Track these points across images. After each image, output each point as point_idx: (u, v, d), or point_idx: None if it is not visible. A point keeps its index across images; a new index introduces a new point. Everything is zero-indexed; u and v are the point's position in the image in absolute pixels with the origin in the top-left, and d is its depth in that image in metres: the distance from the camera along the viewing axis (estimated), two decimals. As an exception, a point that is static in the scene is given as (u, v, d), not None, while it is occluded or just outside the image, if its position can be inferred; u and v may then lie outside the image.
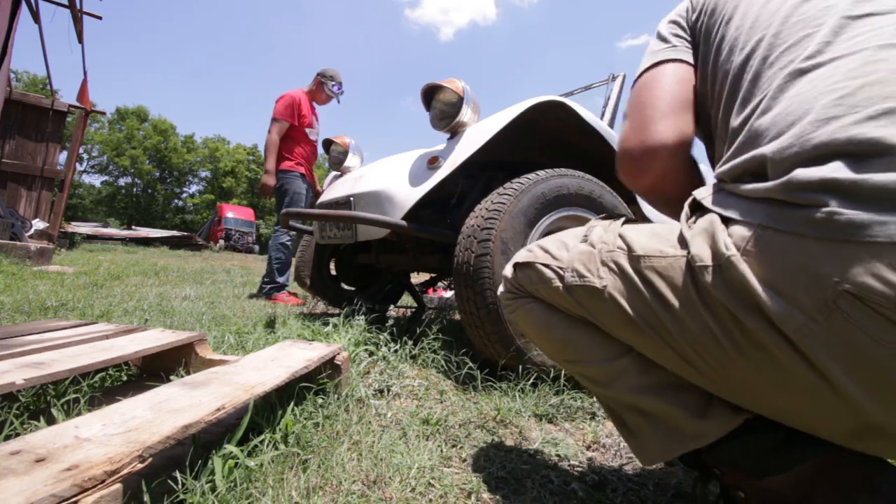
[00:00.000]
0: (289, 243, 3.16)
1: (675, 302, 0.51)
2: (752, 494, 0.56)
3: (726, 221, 0.49)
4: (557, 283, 0.63)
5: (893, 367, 0.40)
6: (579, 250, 0.63)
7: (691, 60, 0.68)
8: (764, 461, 0.54)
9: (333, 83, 3.33)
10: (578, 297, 0.61)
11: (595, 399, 1.23)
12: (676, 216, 0.62)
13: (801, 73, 0.49)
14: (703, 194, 0.55)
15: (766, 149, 0.47)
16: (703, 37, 0.67)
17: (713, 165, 0.69)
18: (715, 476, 0.62)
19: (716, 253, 0.47)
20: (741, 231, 0.46)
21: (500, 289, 0.74)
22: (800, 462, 0.52)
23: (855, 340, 0.40)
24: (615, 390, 0.62)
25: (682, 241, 0.53)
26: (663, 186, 0.66)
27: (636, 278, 0.55)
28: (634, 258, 0.56)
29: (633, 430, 0.62)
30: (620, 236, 0.59)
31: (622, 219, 0.65)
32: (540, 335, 0.69)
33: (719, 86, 0.62)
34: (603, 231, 0.63)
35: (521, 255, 0.70)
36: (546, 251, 0.67)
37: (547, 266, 0.65)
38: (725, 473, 0.58)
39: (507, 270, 0.72)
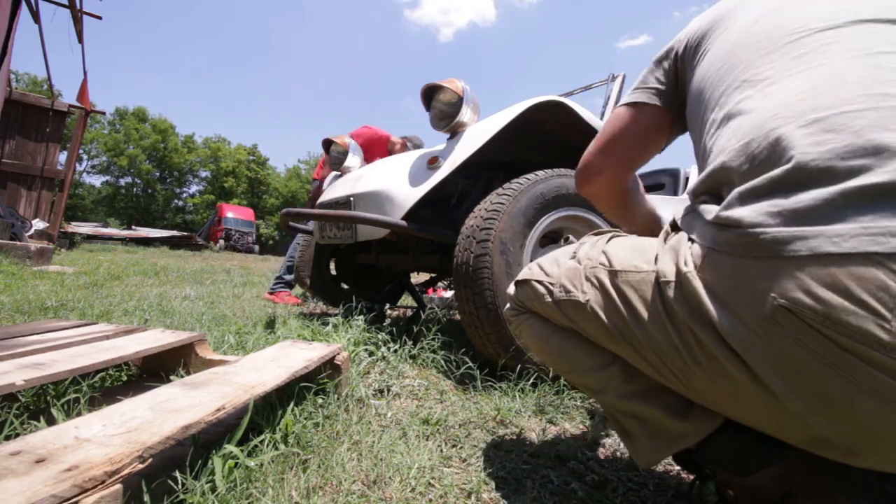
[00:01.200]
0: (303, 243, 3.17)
1: (644, 315, 0.54)
2: (740, 492, 0.58)
3: (691, 239, 0.52)
4: (548, 298, 0.68)
5: (829, 379, 0.41)
6: (567, 266, 0.68)
7: (657, 102, 0.74)
8: (743, 460, 0.56)
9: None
10: (566, 311, 0.66)
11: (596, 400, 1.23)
12: (614, 219, 0.85)
13: (747, 97, 0.52)
14: (681, 213, 0.58)
15: (715, 167, 0.51)
16: (685, 71, 0.71)
17: None
18: (709, 477, 0.64)
19: (677, 269, 0.50)
20: (697, 249, 0.49)
21: (506, 307, 0.80)
22: (774, 461, 0.54)
23: (793, 353, 0.42)
24: (608, 396, 0.65)
25: (656, 257, 0.56)
26: (598, 197, 0.82)
27: (613, 292, 0.59)
28: (613, 273, 0.60)
29: (629, 434, 0.65)
30: (603, 252, 0.64)
31: (609, 234, 0.69)
32: (539, 348, 0.74)
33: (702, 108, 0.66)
34: (590, 248, 0.67)
35: (521, 274, 0.76)
36: (541, 268, 0.72)
37: (540, 283, 0.70)
38: (716, 473, 0.61)
39: (511, 289, 0.78)
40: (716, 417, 0.57)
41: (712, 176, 0.51)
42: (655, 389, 0.61)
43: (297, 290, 3.28)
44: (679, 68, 0.71)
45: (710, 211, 0.49)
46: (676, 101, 0.73)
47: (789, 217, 0.41)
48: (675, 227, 0.59)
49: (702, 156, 0.60)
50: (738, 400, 0.49)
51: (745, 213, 0.44)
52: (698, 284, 0.47)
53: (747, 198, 0.45)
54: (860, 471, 0.50)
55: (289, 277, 3.13)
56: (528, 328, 0.74)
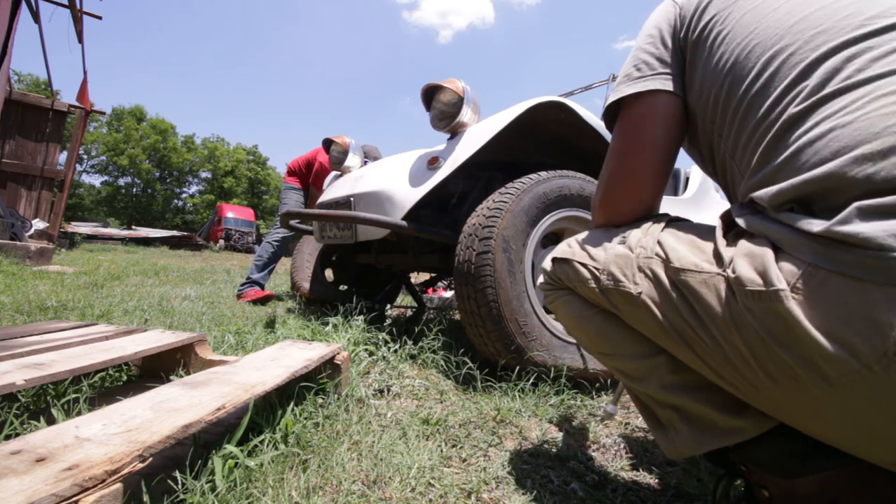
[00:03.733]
0: (275, 242, 3.18)
1: (708, 319, 0.50)
2: (778, 494, 0.55)
3: (775, 250, 0.46)
4: (593, 283, 0.63)
5: None
6: (616, 252, 0.62)
7: (680, 90, 0.65)
8: (794, 463, 0.53)
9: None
10: (613, 300, 0.61)
11: (596, 400, 1.23)
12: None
13: (851, 87, 0.45)
14: (740, 213, 0.53)
15: (820, 174, 0.44)
16: (695, 45, 0.63)
17: (713, 172, 0.67)
18: (739, 474, 0.61)
19: (766, 281, 0.44)
20: (790, 266, 0.44)
21: (540, 280, 0.76)
22: (829, 468, 0.51)
23: None
24: (648, 386, 0.62)
25: (719, 258, 0.51)
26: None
27: (671, 290, 0.54)
28: (672, 269, 0.54)
29: (663, 424, 0.62)
30: (659, 243, 0.58)
31: (663, 221, 0.63)
32: (576, 326, 0.70)
33: (725, 94, 0.58)
34: (642, 234, 0.61)
35: (559, 251, 0.70)
36: (584, 249, 0.67)
37: (584, 265, 0.65)
38: (752, 472, 0.57)
39: (546, 263, 0.73)
40: (771, 418, 0.54)
41: (817, 182, 0.43)
42: (706, 385, 0.57)
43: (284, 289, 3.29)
44: (683, 48, 0.63)
45: (813, 223, 0.42)
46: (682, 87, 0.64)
47: None
48: (730, 224, 0.54)
49: (749, 150, 0.53)
50: (817, 418, 0.45)
51: (872, 231, 0.38)
52: (793, 306, 0.42)
53: (873, 214, 0.39)
54: None
55: (256, 276, 3.14)
56: (564, 304, 0.70)
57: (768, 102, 0.51)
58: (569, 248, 0.70)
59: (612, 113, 0.70)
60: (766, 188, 0.49)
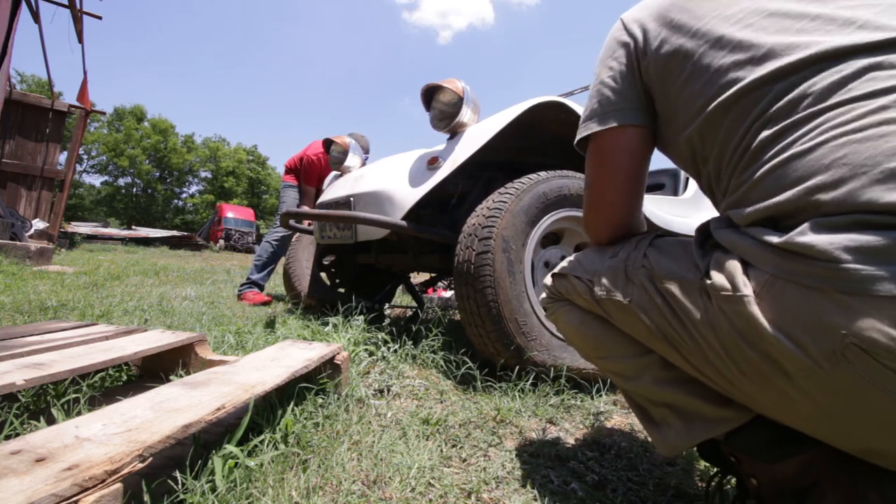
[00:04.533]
0: (275, 242, 3.18)
1: (689, 321, 0.55)
2: (765, 481, 0.58)
3: (743, 261, 0.51)
4: (587, 295, 0.70)
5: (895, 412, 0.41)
6: (607, 265, 0.68)
7: (641, 121, 0.68)
8: (775, 448, 0.56)
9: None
10: (606, 308, 0.68)
11: (596, 400, 1.23)
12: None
13: (809, 118, 0.49)
14: (716, 227, 0.57)
15: (782, 200, 0.49)
16: (662, 67, 0.65)
17: (699, 180, 0.69)
18: (732, 469, 0.64)
19: (734, 287, 0.49)
20: (756, 275, 0.49)
21: (542, 296, 0.84)
22: (808, 450, 0.54)
23: (859, 388, 0.42)
24: (641, 384, 0.67)
25: (696, 268, 0.56)
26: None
27: (657, 297, 0.60)
28: (657, 278, 0.60)
29: (656, 422, 0.66)
30: (645, 255, 0.64)
31: (649, 238, 0.68)
32: (574, 334, 0.76)
33: (699, 106, 0.60)
34: (631, 249, 0.67)
35: (559, 267, 0.79)
36: (579, 263, 0.75)
37: (579, 279, 0.72)
38: (741, 461, 0.61)
39: (547, 280, 0.81)
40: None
41: (780, 206, 0.49)
42: (694, 378, 0.61)
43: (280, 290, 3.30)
44: (647, 81, 0.66)
45: (774, 236, 0.47)
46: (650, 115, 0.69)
47: (867, 255, 0.40)
48: (707, 236, 0.59)
49: (727, 173, 0.58)
50: (786, 409, 0.50)
51: (822, 242, 0.43)
52: (755, 310, 0.47)
53: (824, 228, 0.44)
54: None
55: (256, 277, 3.14)
56: (563, 314, 0.77)
57: (742, 129, 0.55)
58: (567, 264, 0.77)
59: (583, 145, 0.75)
60: (739, 208, 0.54)
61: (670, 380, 0.64)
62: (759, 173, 0.52)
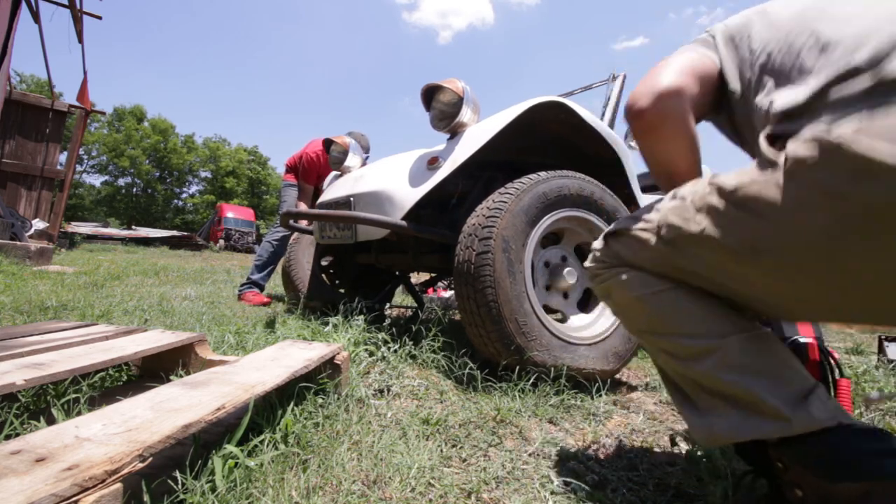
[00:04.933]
0: (275, 242, 3.18)
1: (773, 214, 0.53)
2: (813, 496, 0.55)
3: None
4: (654, 240, 0.65)
5: None
6: (669, 206, 0.65)
7: (713, 55, 0.73)
8: (841, 467, 0.53)
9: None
10: (678, 247, 0.63)
11: (596, 400, 1.23)
12: (676, 169, 0.73)
13: None
14: (785, 129, 0.57)
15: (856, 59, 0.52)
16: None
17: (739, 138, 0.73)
18: (770, 473, 0.61)
19: (821, 144, 0.49)
20: (846, 121, 0.49)
21: (588, 263, 0.77)
22: (877, 478, 0.51)
23: None
24: (699, 367, 0.62)
25: (767, 162, 0.55)
26: (661, 127, 0.70)
27: (734, 209, 0.57)
28: (728, 193, 0.57)
29: (701, 409, 0.63)
30: (710, 183, 0.61)
31: (709, 175, 0.66)
32: (632, 304, 0.69)
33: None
34: (692, 186, 0.65)
35: (611, 227, 0.73)
36: (635, 218, 0.70)
37: (641, 229, 0.68)
38: (791, 470, 0.57)
39: (597, 244, 0.75)
40: (833, 417, 0.55)
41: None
42: (773, 371, 0.59)
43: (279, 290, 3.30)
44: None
45: (857, 80, 0.51)
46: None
47: None
48: (776, 138, 0.58)
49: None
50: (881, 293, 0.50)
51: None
52: (863, 143, 0.47)
53: None
54: None
55: (256, 277, 3.14)
56: (620, 284, 0.70)
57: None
58: (619, 223, 0.72)
59: None
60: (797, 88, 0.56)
61: (744, 367, 0.60)
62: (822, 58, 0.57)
